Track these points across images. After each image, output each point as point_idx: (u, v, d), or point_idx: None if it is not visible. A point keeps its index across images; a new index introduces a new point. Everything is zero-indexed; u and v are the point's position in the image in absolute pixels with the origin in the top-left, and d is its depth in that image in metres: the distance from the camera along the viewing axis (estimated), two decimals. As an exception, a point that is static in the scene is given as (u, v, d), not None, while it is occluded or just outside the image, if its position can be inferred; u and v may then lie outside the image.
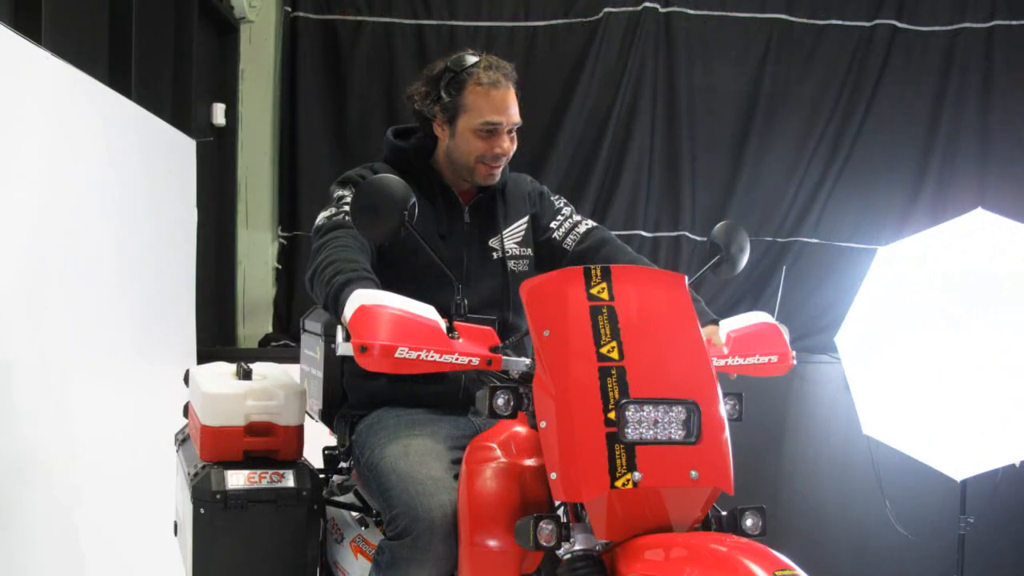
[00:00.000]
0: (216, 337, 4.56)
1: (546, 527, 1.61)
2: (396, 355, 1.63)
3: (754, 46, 4.64)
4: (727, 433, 1.65)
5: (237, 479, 2.11)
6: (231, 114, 4.64)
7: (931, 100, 4.62)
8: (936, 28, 4.61)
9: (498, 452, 1.87)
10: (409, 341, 1.64)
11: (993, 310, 3.36)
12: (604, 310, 1.68)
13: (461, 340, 1.72)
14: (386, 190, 1.80)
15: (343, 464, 2.34)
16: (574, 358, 1.63)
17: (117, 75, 3.51)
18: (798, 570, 1.43)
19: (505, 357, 1.75)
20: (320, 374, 2.45)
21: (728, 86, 4.65)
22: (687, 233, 4.65)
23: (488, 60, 2.19)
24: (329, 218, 2.12)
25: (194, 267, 4.06)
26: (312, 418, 2.47)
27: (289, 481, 2.14)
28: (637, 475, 1.55)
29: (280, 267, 4.70)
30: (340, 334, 1.67)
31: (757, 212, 4.64)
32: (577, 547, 1.63)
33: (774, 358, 1.98)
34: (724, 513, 1.69)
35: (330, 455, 2.39)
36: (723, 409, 1.67)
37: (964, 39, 4.61)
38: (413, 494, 1.88)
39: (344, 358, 2.25)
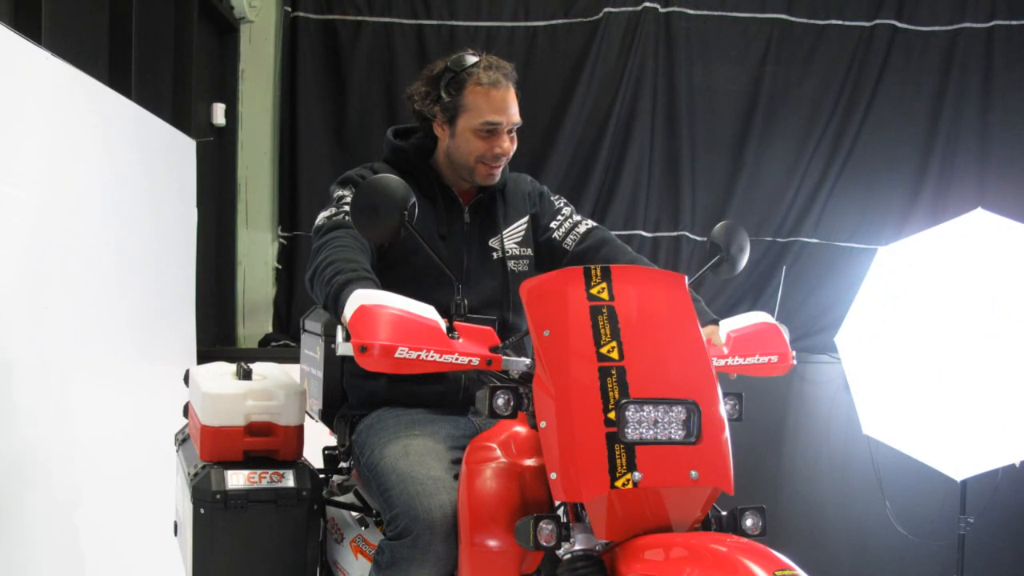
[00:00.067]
0: (216, 337, 4.56)
1: (546, 527, 1.61)
2: (396, 355, 1.63)
3: (754, 46, 4.64)
4: (727, 433, 1.65)
5: (237, 479, 2.11)
6: (231, 114, 4.64)
7: (931, 100, 4.62)
8: (936, 28, 4.61)
9: (498, 452, 1.87)
10: (409, 341, 1.64)
11: (993, 310, 3.35)
12: (604, 310, 1.68)
13: (461, 340, 1.72)
14: (386, 190, 1.80)
15: (343, 464, 2.34)
16: (574, 358, 1.64)
17: (117, 75, 3.52)
18: (798, 570, 1.43)
19: (505, 357, 1.75)
20: (320, 374, 2.45)
21: (728, 86, 4.64)
22: (687, 233, 4.65)
23: (488, 60, 2.19)
24: (329, 218, 2.12)
25: (194, 267, 4.06)
26: (312, 418, 2.47)
27: (289, 481, 2.14)
28: (637, 475, 1.55)
29: (280, 267, 4.70)
30: (340, 334, 1.67)
31: (757, 212, 4.64)
32: (577, 547, 1.64)
33: (774, 358, 1.98)
34: (724, 513, 1.69)
35: (330, 455, 2.39)
36: (723, 409, 1.67)
37: (964, 39, 4.60)
38: (413, 494, 1.88)
39: (344, 358, 2.25)
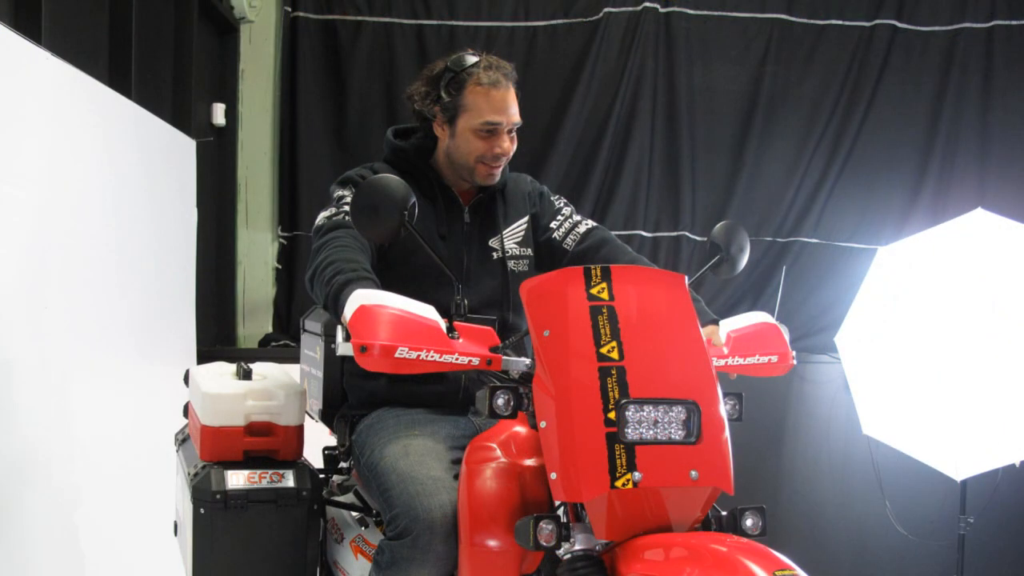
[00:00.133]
0: (216, 337, 4.56)
1: (546, 527, 1.61)
2: (396, 355, 1.63)
3: (754, 46, 4.64)
4: (727, 433, 1.65)
5: (237, 479, 2.11)
6: (231, 114, 4.64)
7: (931, 100, 4.62)
8: (936, 28, 4.61)
9: (498, 452, 1.87)
10: (409, 341, 1.64)
11: (993, 310, 3.35)
12: (604, 310, 1.68)
13: (461, 340, 1.72)
14: (386, 190, 1.80)
15: (343, 464, 2.34)
16: (574, 358, 1.63)
17: (117, 75, 3.52)
18: (798, 570, 1.43)
19: (505, 357, 1.75)
20: (320, 374, 2.45)
21: (728, 86, 4.65)
22: (687, 233, 4.65)
23: (488, 60, 2.19)
24: (329, 218, 2.12)
25: (194, 267, 4.06)
26: (312, 418, 2.47)
27: (289, 481, 2.14)
28: (637, 475, 1.55)
29: (280, 267, 4.70)
30: (340, 334, 1.67)
31: (757, 212, 4.64)
32: (577, 547, 1.64)
33: (774, 358, 1.98)
34: (724, 513, 1.69)
35: (330, 455, 2.39)
36: (723, 409, 1.67)
37: (964, 39, 4.60)
38: (413, 494, 1.88)
39: (344, 358, 2.25)
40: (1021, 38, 4.61)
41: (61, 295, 2.92)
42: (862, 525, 4.41)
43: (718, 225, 2.07)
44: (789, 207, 4.65)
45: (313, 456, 2.35)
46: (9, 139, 2.62)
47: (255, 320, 4.74)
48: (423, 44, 4.60)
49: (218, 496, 2.08)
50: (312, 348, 2.55)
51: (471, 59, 2.18)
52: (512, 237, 2.33)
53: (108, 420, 3.14)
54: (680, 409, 1.61)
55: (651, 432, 1.59)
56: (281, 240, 4.68)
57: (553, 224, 2.38)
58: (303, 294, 4.51)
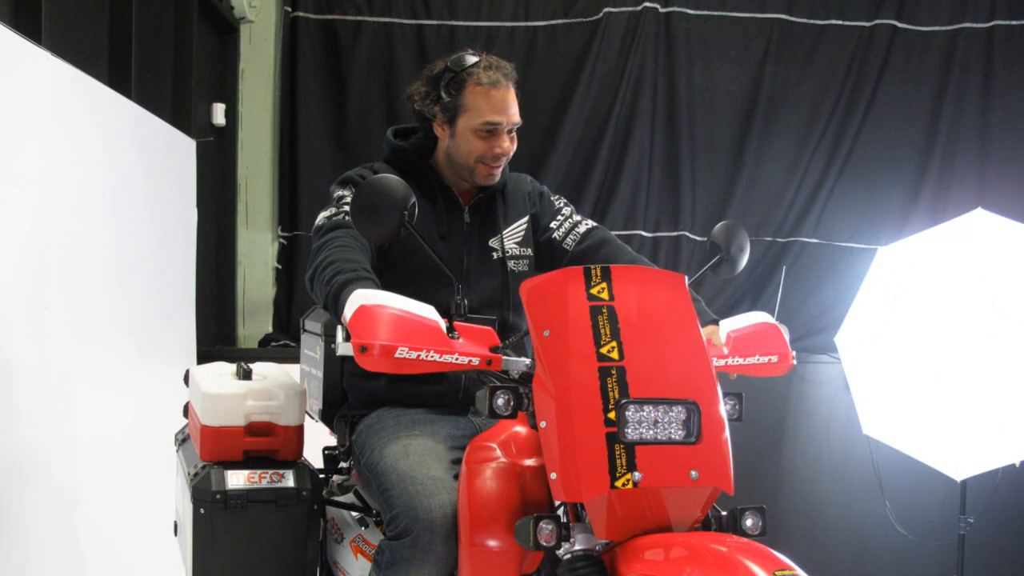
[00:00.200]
0: (216, 337, 4.56)
1: (546, 527, 1.61)
2: (396, 355, 1.63)
3: (754, 46, 4.64)
4: (727, 433, 1.65)
5: (237, 479, 2.11)
6: (231, 114, 4.64)
7: (931, 100, 4.62)
8: (936, 28, 4.61)
9: (498, 452, 1.87)
10: (409, 341, 1.64)
11: (993, 310, 3.35)
12: (604, 310, 1.68)
13: (461, 340, 1.72)
14: (386, 190, 1.80)
15: (343, 464, 2.34)
16: (574, 358, 1.63)
17: (117, 75, 3.52)
18: (798, 570, 1.43)
19: (505, 357, 1.75)
20: (320, 374, 2.45)
21: (728, 86, 4.65)
22: (687, 233, 4.65)
23: (488, 60, 2.19)
24: (329, 218, 2.12)
25: (194, 267, 4.06)
26: (312, 418, 2.47)
27: (289, 481, 2.14)
28: (637, 475, 1.55)
29: (280, 267, 4.70)
30: (340, 334, 1.67)
31: (757, 212, 4.64)
32: (577, 547, 1.64)
33: (774, 358, 1.98)
34: (724, 513, 1.69)
35: (330, 455, 2.39)
36: (723, 409, 1.67)
37: (964, 39, 4.60)
38: (413, 494, 1.88)
39: (344, 358, 2.25)
40: (1021, 38, 4.61)
41: (61, 295, 2.92)
42: (862, 525, 4.41)
43: (718, 225, 2.07)
44: (789, 207, 4.65)
45: (313, 456, 2.35)
46: (9, 139, 2.62)
47: (255, 320, 4.74)
48: (423, 44, 4.60)
49: (218, 496, 2.08)
50: (312, 348, 2.55)
51: (471, 59, 2.18)
52: (512, 237, 2.33)
53: (108, 420, 3.14)
54: (680, 409, 1.61)
55: (651, 432, 1.59)
56: (281, 240, 4.68)
57: (553, 224, 2.38)
58: (303, 294, 4.51)
